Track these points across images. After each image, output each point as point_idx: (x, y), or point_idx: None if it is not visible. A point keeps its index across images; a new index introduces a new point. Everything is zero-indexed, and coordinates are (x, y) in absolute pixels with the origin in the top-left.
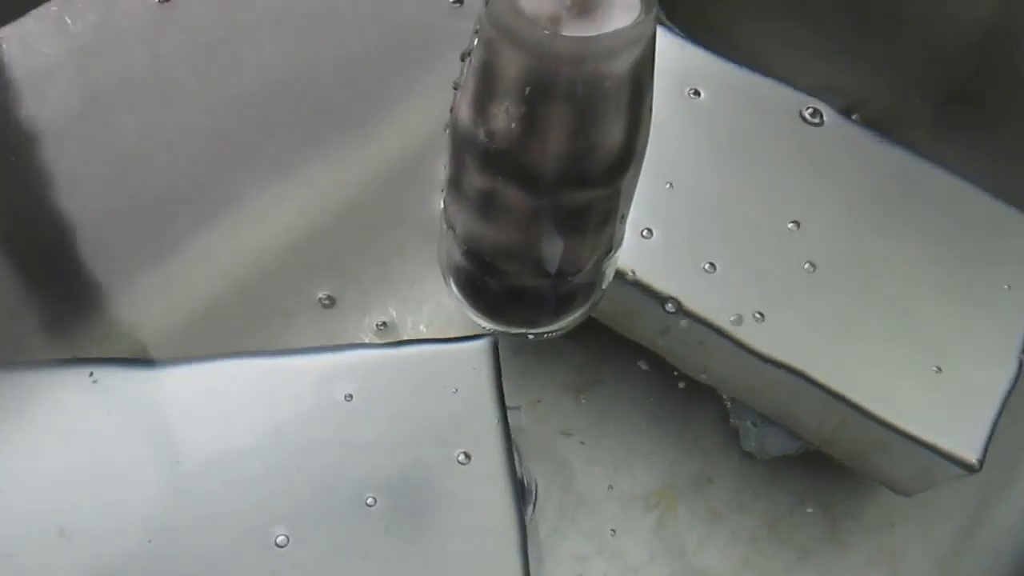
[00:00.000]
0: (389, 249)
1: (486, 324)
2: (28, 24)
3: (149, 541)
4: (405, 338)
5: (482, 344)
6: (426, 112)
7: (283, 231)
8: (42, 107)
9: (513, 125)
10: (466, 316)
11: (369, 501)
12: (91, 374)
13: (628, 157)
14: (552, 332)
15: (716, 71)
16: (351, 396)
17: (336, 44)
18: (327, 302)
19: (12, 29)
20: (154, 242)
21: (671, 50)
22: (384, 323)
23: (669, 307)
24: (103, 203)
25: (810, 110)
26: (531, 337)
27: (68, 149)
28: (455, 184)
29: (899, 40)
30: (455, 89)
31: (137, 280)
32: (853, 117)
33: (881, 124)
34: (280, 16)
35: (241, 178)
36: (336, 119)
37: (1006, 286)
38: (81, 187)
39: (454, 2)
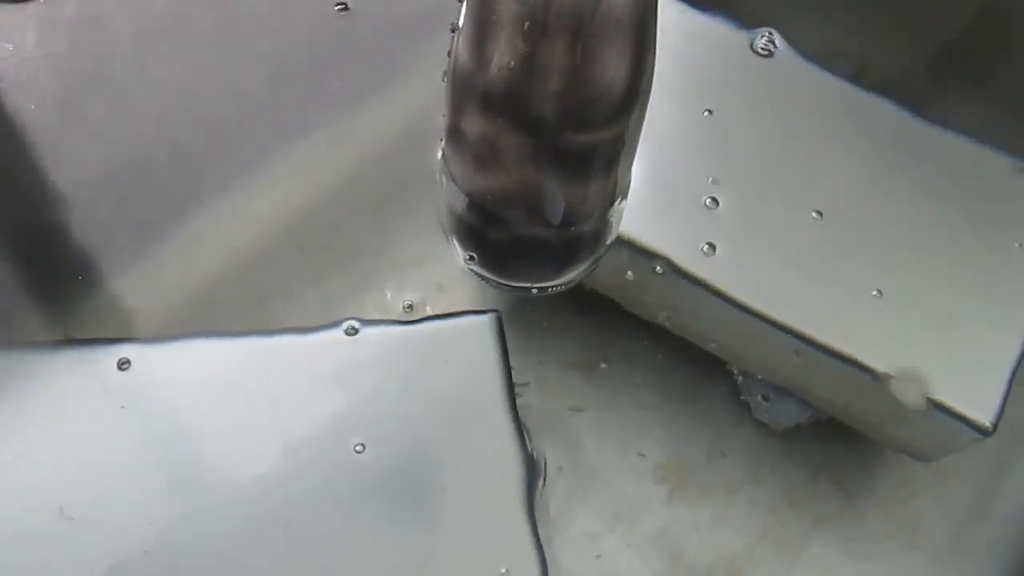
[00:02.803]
0: (387, 228)
1: (489, 279)
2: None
3: (151, 522)
4: (406, 317)
5: (486, 319)
6: (418, 91)
7: (279, 211)
8: (29, 88)
9: (513, 63)
10: (467, 295)
11: (374, 481)
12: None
13: (633, 96)
14: (558, 287)
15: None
16: (352, 374)
17: (330, 22)
18: (324, 282)
19: None
20: (148, 223)
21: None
22: (383, 304)
23: (658, 268)
24: (95, 183)
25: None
26: (535, 292)
27: (59, 130)
28: (455, 132)
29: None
30: (452, 32)
31: (131, 261)
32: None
33: (886, 86)
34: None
35: (235, 157)
36: (330, 98)
37: (1017, 244)
38: (72, 168)
39: None
